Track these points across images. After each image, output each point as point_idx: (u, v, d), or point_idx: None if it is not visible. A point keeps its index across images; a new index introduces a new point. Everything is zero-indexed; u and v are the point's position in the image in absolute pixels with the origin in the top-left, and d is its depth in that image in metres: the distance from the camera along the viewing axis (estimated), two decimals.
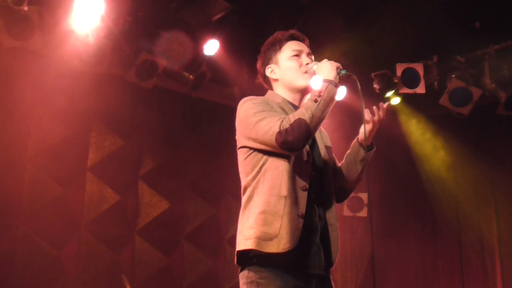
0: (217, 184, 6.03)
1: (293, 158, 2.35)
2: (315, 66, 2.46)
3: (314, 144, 2.51)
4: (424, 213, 6.70)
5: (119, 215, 5.44)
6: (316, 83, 2.43)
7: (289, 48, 2.55)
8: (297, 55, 2.53)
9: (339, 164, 2.65)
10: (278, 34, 2.60)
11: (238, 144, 2.46)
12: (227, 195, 6.10)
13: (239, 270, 2.35)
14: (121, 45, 5.09)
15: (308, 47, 2.60)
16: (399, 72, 5.57)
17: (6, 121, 4.83)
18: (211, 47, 5.26)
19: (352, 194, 6.31)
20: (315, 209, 2.38)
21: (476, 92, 5.55)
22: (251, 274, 2.27)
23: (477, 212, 6.41)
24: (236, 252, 2.34)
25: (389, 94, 5.86)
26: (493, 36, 5.38)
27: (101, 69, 5.12)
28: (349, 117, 6.14)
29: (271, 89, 2.61)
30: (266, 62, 2.59)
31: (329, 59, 2.48)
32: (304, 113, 2.27)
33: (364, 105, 2.47)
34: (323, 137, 2.63)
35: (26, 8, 4.44)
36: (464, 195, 6.53)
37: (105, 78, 5.23)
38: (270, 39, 2.61)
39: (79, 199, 5.24)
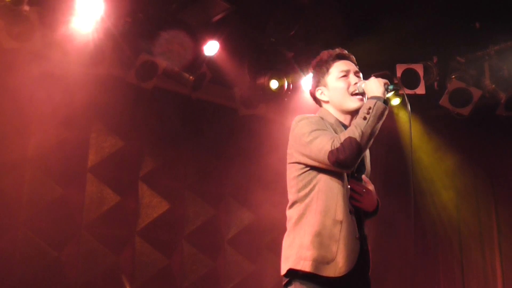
0: (217, 185, 6.02)
1: (345, 179, 2.41)
2: (363, 84, 2.51)
3: (361, 166, 2.54)
4: (424, 214, 6.69)
5: (119, 216, 5.42)
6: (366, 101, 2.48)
7: (337, 70, 2.58)
8: (345, 76, 2.57)
9: None
10: (324, 55, 2.64)
11: (291, 159, 2.50)
12: (227, 196, 6.10)
13: (285, 282, 2.41)
14: (121, 46, 5.08)
15: (355, 64, 2.64)
16: (399, 73, 5.58)
17: (6, 122, 4.82)
18: (211, 48, 5.27)
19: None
20: (356, 232, 2.43)
21: (476, 93, 5.56)
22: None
23: (477, 213, 6.41)
24: (288, 269, 2.38)
25: (389, 94, 5.81)
26: (493, 37, 5.40)
27: (101, 70, 5.13)
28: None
29: (322, 106, 2.66)
30: (316, 84, 2.64)
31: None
32: (354, 131, 2.32)
33: (410, 116, 2.65)
34: (367, 156, 2.67)
35: (26, 8, 4.44)
36: (464, 195, 6.54)
37: (105, 79, 5.22)
38: (316, 60, 2.65)
39: (79, 200, 5.23)
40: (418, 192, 6.69)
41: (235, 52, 5.48)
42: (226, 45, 5.35)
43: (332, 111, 2.60)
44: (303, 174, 2.43)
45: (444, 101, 5.65)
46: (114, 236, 5.38)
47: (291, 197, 2.48)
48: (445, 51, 5.63)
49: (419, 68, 5.57)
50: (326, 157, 2.32)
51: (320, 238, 2.33)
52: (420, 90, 5.57)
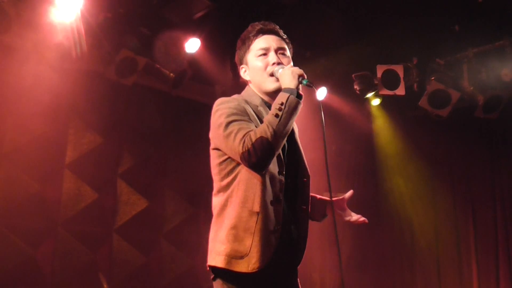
0: (197, 182, 5.92)
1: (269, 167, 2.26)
2: (280, 70, 2.33)
3: (291, 147, 2.40)
4: (403, 214, 6.75)
5: (96, 213, 5.39)
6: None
7: (256, 47, 2.40)
8: (264, 54, 2.39)
9: None
10: (248, 29, 2.46)
11: (212, 145, 2.37)
12: (206, 194, 5.79)
13: (211, 277, 2.31)
14: (101, 42, 5.00)
15: (280, 39, 2.44)
16: (379, 74, 5.60)
17: None
18: (192, 45, 5.23)
19: (333, 194, 6.42)
20: (292, 221, 2.32)
21: (455, 95, 5.59)
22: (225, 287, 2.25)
23: (454, 213, 6.47)
24: (207, 265, 2.30)
25: (369, 95, 5.90)
26: (472, 40, 5.42)
27: (80, 66, 5.07)
28: (330, 117, 6.16)
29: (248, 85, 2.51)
30: (239, 62, 2.50)
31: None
32: (266, 130, 2.16)
33: (323, 119, 2.41)
34: (296, 132, 2.51)
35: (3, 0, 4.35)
36: (441, 196, 6.59)
37: (84, 75, 5.17)
38: (242, 35, 2.48)
39: (56, 197, 5.18)
40: (396, 192, 6.74)
41: (216, 49, 5.46)
42: (207, 42, 5.32)
43: (256, 91, 2.43)
44: (224, 162, 2.29)
45: (423, 102, 5.66)
46: (91, 233, 5.34)
47: (216, 184, 2.34)
48: (425, 53, 5.65)
49: (399, 69, 5.58)
50: (239, 158, 2.20)
51: (236, 231, 2.20)
52: (400, 91, 5.59)
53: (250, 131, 2.19)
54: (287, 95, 2.22)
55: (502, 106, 5.66)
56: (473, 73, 5.59)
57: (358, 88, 5.79)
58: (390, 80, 5.58)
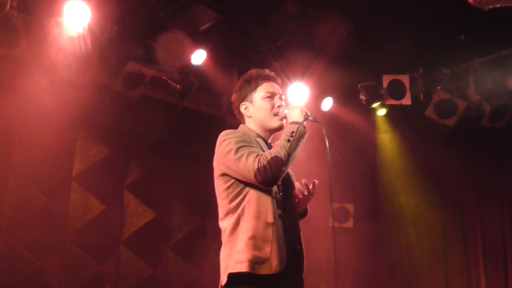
0: (203, 194, 5.81)
1: (274, 188, 2.62)
2: (286, 110, 2.72)
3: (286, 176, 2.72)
4: (410, 222, 6.73)
5: (104, 225, 5.38)
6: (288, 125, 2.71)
7: (264, 89, 2.77)
8: (270, 97, 2.76)
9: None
10: (253, 73, 2.83)
11: (218, 172, 2.64)
12: (213, 205, 5.79)
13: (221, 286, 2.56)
14: (108, 54, 5.07)
15: (280, 88, 2.84)
16: (385, 84, 5.61)
17: None
18: (199, 57, 5.26)
19: (339, 205, 6.43)
20: (293, 234, 2.65)
21: (461, 104, 5.60)
22: None
23: (461, 222, 6.45)
24: (228, 274, 2.51)
25: (375, 105, 5.93)
26: (478, 49, 5.45)
27: (88, 78, 5.07)
28: (335, 130, 6.17)
29: (244, 123, 2.84)
30: (241, 99, 2.82)
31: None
32: (279, 151, 2.52)
33: (328, 148, 2.79)
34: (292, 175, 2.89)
35: (13, 13, 4.37)
36: (449, 206, 6.58)
37: (91, 87, 5.17)
38: (246, 76, 2.83)
39: (63, 209, 5.16)
40: (404, 202, 6.73)
41: (222, 61, 5.49)
42: (213, 54, 5.36)
43: (252, 126, 2.79)
44: (232, 185, 2.59)
45: (429, 112, 5.68)
46: (98, 245, 5.33)
47: (223, 209, 2.62)
48: (431, 63, 5.68)
49: (405, 79, 5.60)
50: (253, 175, 2.50)
51: (254, 241, 2.50)
52: (406, 101, 5.60)
53: (261, 153, 2.54)
54: (296, 126, 2.61)
55: (509, 115, 5.67)
56: (479, 82, 5.61)
57: (364, 98, 5.81)
58: (396, 90, 5.60)
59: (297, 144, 2.57)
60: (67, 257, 5.10)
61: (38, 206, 4.99)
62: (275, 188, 2.61)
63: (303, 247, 2.72)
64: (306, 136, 2.63)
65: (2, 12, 4.29)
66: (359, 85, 5.80)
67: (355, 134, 6.53)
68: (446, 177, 6.60)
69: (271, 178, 2.49)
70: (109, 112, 5.46)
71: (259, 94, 2.78)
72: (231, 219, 2.56)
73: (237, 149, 2.56)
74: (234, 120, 5.97)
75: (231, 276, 2.50)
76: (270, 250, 2.48)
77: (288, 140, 2.56)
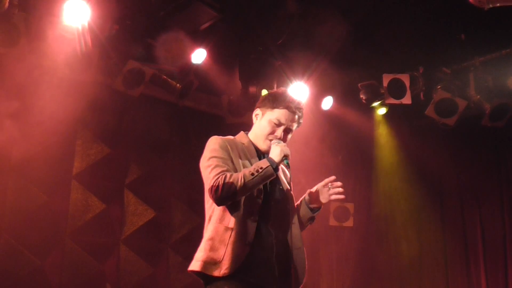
0: (204, 193, 5.93)
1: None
2: (275, 143, 2.76)
3: (273, 179, 2.74)
4: (410, 221, 6.73)
5: (104, 224, 5.38)
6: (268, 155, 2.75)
7: (277, 115, 2.81)
8: (277, 125, 2.80)
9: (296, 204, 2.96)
10: (283, 94, 2.87)
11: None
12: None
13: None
14: (108, 53, 5.06)
15: (296, 123, 2.85)
16: (385, 83, 5.59)
17: None
18: (199, 56, 5.25)
19: (338, 204, 6.43)
20: (268, 239, 2.68)
21: (462, 104, 5.58)
22: None
23: (462, 222, 6.43)
24: (188, 271, 2.69)
25: (375, 104, 5.91)
26: (478, 48, 5.43)
27: (88, 77, 5.08)
28: (334, 128, 6.15)
29: (252, 123, 2.93)
30: (259, 106, 2.89)
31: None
32: (238, 180, 2.57)
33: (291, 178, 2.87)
34: (285, 172, 2.93)
35: (14, 11, 4.37)
36: (449, 205, 6.57)
37: (91, 86, 5.17)
38: (277, 92, 2.92)
39: (63, 208, 5.17)
40: (402, 201, 6.73)
41: (222, 60, 5.48)
42: (214, 53, 5.35)
43: (251, 134, 2.90)
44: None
45: (430, 111, 5.65)
46: (98, 244, 5.33)
47: (206, 204, 2.78)
48: (431, 62, 5.65)
49: (405, 78, 5.58)
50: (208, 188, 2.62)
51: (212, 242, 2.61)
52: (406, 100, 5.58)
53: (225, 170, 2.62)
54: (268, 164, 2.64)
55: (509, 115, 5.64)
56: (479, 81, 5.59)
57: (364, 98, 5.80)
58: (396, 89, 5.58)
59: (258, 181, 2.62)
60: (67, 256, 5.11)
61: (38, 205, 5.00)
62: (255, 192, 2.67)
63: (303, 248, 2.77)
64: (273, 177, 2.66)
65: (2, 9, 4.28)
66: (359, 84, 5.78)
67: (355, 133, 6.53)
68: (446, 177, 6.58)
69: (219, 199, 2.57)
70: (109, 111, 5.45)
71: (271, 115, 2.82)
72: (206, 218, 2.72)
73: (209, 158, 2.67)
74: (234, 119, 5.98)
75: (192, 273, 2.67)
76: (224, 253, 2.56)
77: (252, 174, 2.60)
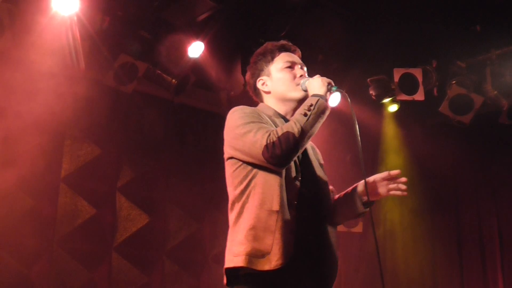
0: (201, 196, 5.94)
1: (283, 172, 2.33)
2: (306, 82, 2.51)
3: (306, 160, 2.48)
4: (424, 223, 6.69)
5: (94, 230, 5.32)
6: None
7: (282, 60, 2.59)
8: (290, 67, 2.58)
9: (334, 197, 2.63)
10: (268, 45, 2.65)
11: (226, 155, 2.44)
12: (212, 209, 6.02)
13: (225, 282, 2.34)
14: (99, 46, 5.02)
15: (300, 58, 2.66)
16: (396, 78, 5.52)
17: None
18: (196, 49, 5.16)
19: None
20: (309, 227, 2.34)
21: (478, 100, 5.52)
22: None
23: (478, 224, 6.38)
24: (224, 270, 2.31)
25: (385, 100, 5.84)
26: (495, 41, 5.34)
27: (77, 72, 5.02)
28: (343, 126, 6.11)
29: (262, 101, 2.64)
30: (257, 74, 2.64)
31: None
32: (293, 126, 2.27)
33: (356, 121, 2.53)
34: (316, 154, 2.63)
35: None
36: (465, 205, 6.53)
37: (81, 82, 5.12)
38: (260, 49, 2.66)
39: (51, 213, 5.10)
40: (415, 201, 6.61)
41: (221, 53, 5.43)
42: (212, 46, 5.27)
43: (272, 104, 2.59)
44: (238, 169, 2.36)
45: (444, 108, 5.58)
46: (89, 251, 5.28)
47: (230, 197, 2.40)
48: (445, 55, 5.58)
49: (417, 73, 5.50)
50: (261, 151, 2.25)
51: (255, 231, 2.24)
52: (419, 96, 5.51)
53: (272, 129, 2.30)
54: (316, 98, 2.36)
55: None
56: (496, 76, 5.53)
57: (374, 94, 5.71)
58: (408, 85, 5.51)
59: (315, 120, 2.30)
60: (55, 264, 5.02)
61: (25, 210, 4.91)
62: (292, 173, 2.35)
63: (337, 245, 2.44)
64: (328, 111, 2.37)
65: None
66: (368, 79, 5.73)
67: (364, 132, 6.39)
68: (462, 177, 6.53)
69: (281, 156, 2.22)
70: (100, 108, 5.39)
71: (277, 65, 2.58)
72: (236, 209, 2.34)
73: (245, 124, 2.33)
74: None
75: (228, 271, 2.28)
76: (272, 242, 2.21)
77: (305, 114, 2.29)
